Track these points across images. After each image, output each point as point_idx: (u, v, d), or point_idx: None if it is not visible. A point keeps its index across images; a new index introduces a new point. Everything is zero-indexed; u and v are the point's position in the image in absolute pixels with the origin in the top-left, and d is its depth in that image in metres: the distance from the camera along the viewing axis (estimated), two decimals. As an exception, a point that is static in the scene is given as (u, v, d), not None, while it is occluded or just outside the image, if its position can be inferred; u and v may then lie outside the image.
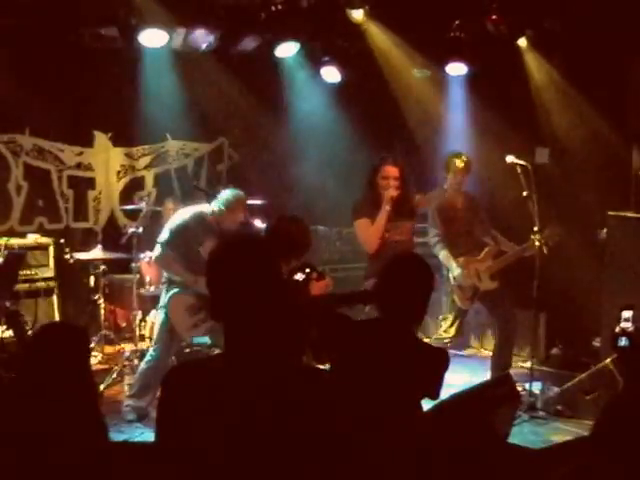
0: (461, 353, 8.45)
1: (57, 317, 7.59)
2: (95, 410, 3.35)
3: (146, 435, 5.79)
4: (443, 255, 6.86)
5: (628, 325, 5.68)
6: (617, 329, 5.71)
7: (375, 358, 3.43)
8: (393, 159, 6.42)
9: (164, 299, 6.25)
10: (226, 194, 6.21)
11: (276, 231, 5.28)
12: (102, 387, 6.95)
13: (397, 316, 3.49)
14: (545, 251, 6.63)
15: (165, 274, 6.36)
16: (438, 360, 3.56)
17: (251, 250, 2.45)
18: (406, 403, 3.45)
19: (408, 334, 3.53)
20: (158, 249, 6.19)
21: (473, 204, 7.09)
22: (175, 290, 6.19)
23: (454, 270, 6.83)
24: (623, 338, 5.64)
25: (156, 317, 6.40)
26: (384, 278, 3.57)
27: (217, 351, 6.48)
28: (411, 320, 3.52)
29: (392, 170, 6.30)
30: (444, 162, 7.00)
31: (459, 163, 6.87)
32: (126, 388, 6.79)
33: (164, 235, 6.19)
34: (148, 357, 6.31)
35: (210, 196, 6.43)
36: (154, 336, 6.40)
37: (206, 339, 7.04)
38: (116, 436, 5.67)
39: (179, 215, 6.27)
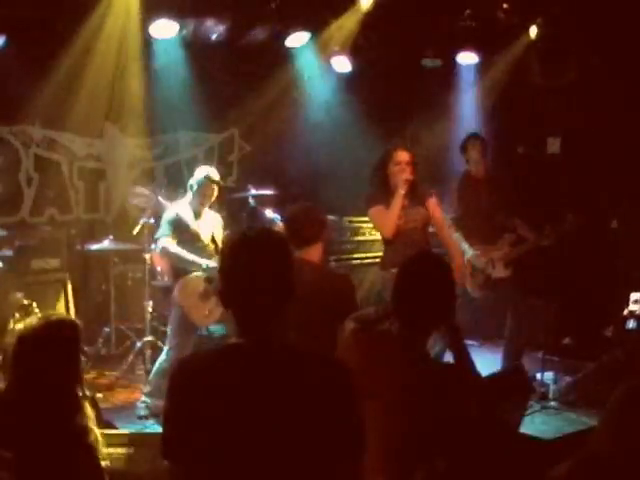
0: (473, 343, 8.42)
1: (70, 308, 7.58)
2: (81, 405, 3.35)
3: (156, 428, 5.79)
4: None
5: (637, 308, 5.63)
6: (625, 312, 5.66)
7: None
8: (404, 144, 6.36)
9: (175, 294, 6.23)
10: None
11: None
12: (114, 378, 6.98)
13: (415, 323, 3.24)
14: (559, 240, 6.62)
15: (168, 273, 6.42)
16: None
17: (267, 241, 2.44)
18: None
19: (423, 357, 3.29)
20: (159, 242, 6.27)
21: (498, 186, 7.04)
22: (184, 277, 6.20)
23: (467, 251, 6.83)
24: (631, 320, 5.59)
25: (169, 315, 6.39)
26: (400, 282, 3.30)
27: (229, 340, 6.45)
28: (430, 326, 3.29)
29: (405, 155, 6.13)
30: (461, 145, 7.02)
31: (472, 144, 6.92)
32: (137, 378, 6.80)
33: (161, 229, 6.30)
34: (164, 356, 6.21)
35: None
36: (168, 334, 6.37)
37: (219, 328, 7.02)
38: (126, 427, 5.68)
39: (169, 210, 6.38)
